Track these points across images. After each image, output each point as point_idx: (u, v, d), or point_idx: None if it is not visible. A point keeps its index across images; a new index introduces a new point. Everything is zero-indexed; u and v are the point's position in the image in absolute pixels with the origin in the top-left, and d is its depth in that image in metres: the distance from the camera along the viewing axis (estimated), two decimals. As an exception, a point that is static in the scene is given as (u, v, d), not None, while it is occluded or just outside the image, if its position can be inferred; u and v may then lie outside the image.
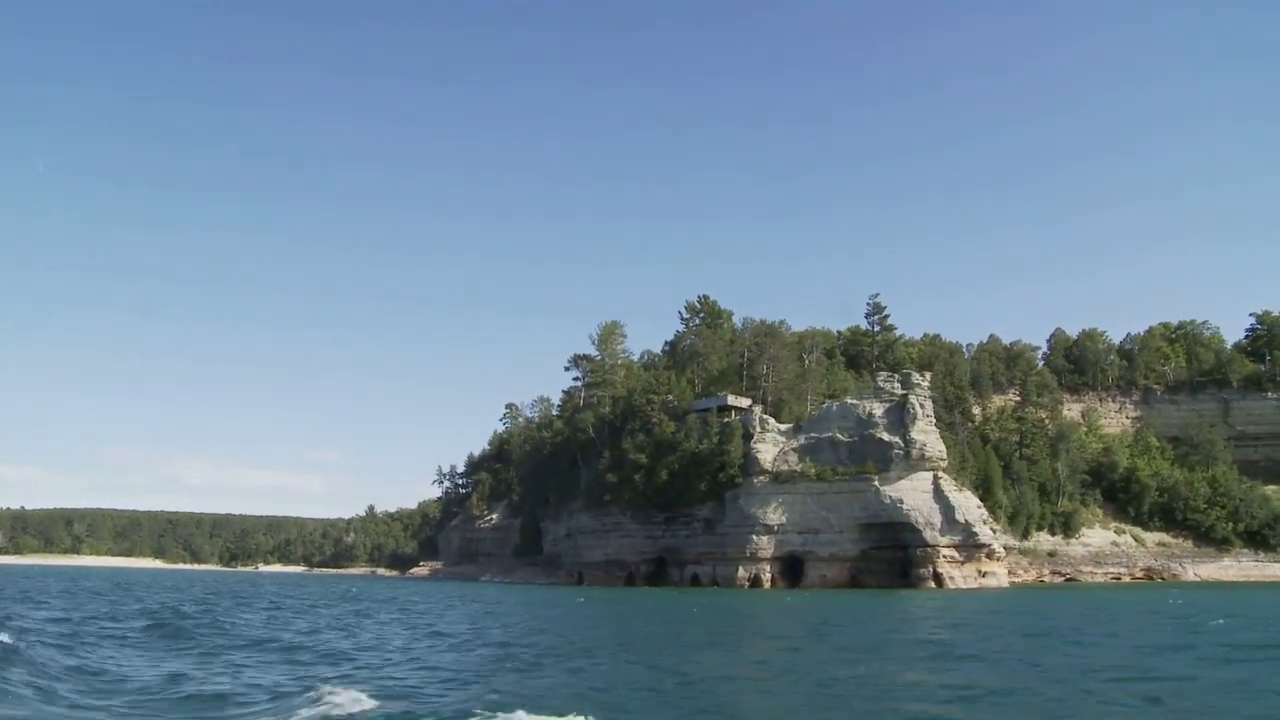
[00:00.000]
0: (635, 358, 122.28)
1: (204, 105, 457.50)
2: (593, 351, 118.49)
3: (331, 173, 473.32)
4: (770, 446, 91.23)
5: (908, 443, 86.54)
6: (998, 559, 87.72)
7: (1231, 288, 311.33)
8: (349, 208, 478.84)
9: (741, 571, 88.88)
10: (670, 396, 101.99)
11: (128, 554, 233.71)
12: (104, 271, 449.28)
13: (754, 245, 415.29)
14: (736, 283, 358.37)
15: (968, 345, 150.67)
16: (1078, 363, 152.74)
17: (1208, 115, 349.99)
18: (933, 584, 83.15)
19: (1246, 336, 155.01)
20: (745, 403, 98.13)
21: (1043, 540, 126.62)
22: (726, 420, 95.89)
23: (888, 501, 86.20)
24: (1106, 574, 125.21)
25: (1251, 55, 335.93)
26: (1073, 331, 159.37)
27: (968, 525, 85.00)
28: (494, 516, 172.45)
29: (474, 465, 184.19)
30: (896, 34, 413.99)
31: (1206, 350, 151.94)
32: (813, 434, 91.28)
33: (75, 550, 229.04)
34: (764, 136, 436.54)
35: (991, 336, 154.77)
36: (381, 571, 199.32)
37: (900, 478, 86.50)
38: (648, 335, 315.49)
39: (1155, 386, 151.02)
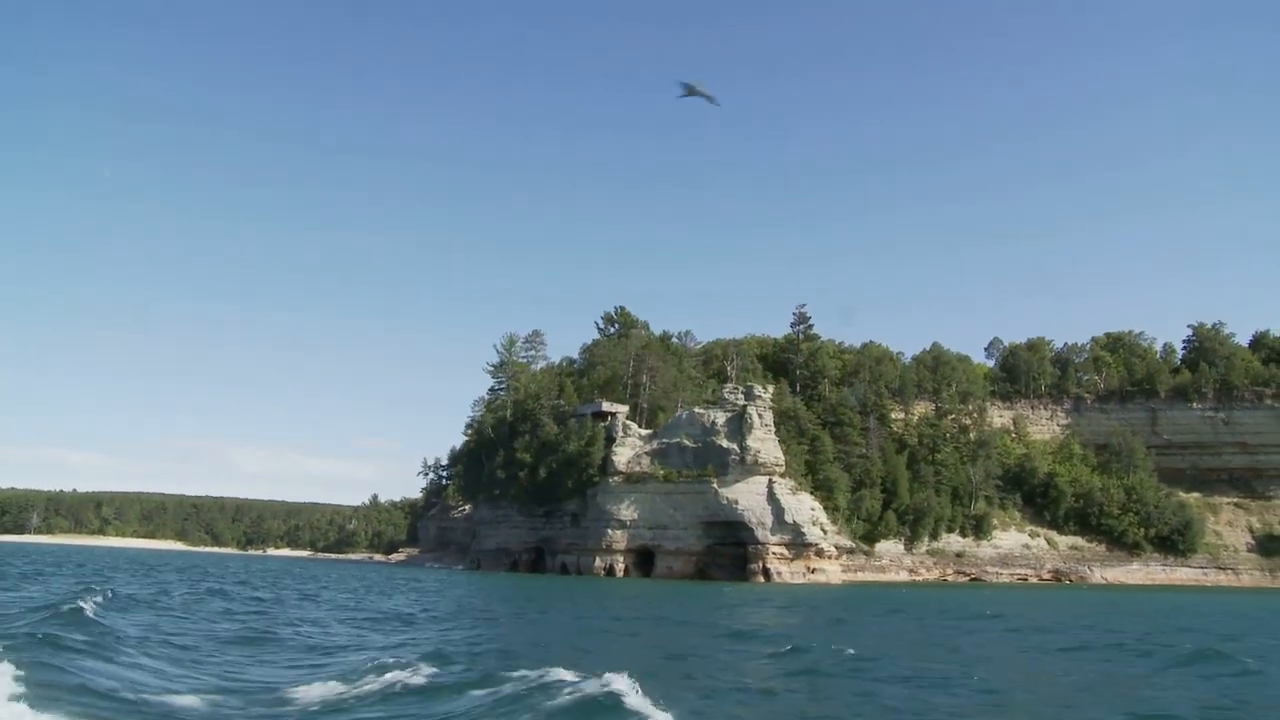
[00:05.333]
0: (555, 362, 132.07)
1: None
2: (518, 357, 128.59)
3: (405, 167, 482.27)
4: (628, 450, 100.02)
5: (744, 449, 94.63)
6: (829, 557, 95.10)
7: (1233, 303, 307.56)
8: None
9: (598, 562, 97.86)
10: (560, 401, 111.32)
11: (151, 536, 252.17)
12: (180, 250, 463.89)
13: (744, 251, 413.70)
14: (718, 287, 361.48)
15: (898, 353, 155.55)
16: (1011, 371, 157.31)
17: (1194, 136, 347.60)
18: (762, 578, 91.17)
19: (1184, 348, 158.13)
20: (619, 409, 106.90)
21: (952, 541, 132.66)
22: (602, 424, 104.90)
23: (725, 502, 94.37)
24: (1013, 575, 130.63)
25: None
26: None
27: (797, 526, 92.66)
28: (467, 507, 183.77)
29: (455, 458, 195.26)
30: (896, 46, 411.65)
31: (1141, 362, 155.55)
32: (665, 439, 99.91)
33: (102, 531, 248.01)
34: (756, 144, 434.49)
35: (934, 344, 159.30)
36: (377, 557, 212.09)
37: (737, 481, 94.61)
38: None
39: (1086, 395, 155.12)
